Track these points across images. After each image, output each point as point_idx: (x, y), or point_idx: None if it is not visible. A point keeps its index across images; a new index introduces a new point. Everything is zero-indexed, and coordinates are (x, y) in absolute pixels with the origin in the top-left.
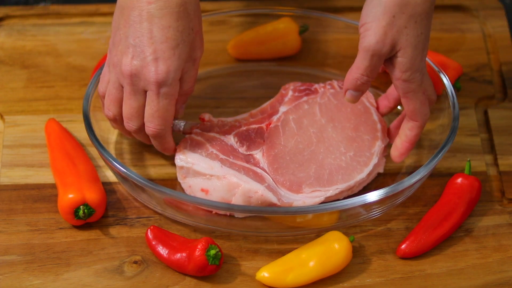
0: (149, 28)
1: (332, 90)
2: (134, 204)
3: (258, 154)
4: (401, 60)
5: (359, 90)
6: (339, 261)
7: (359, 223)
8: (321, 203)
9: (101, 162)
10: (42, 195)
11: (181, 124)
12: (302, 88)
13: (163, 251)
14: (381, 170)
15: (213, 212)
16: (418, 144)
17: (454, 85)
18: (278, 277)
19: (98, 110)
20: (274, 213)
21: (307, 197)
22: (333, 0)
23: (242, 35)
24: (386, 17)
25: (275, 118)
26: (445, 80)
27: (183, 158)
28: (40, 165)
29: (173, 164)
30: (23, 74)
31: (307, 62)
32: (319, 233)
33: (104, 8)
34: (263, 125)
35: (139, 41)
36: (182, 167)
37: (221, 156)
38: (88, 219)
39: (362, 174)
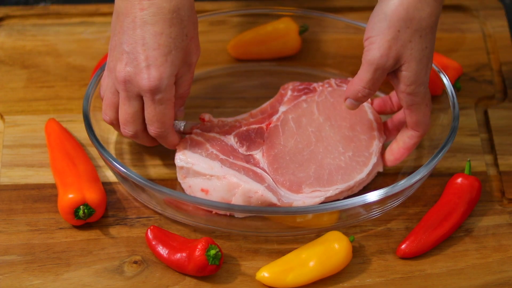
0: (142, 35)
1: (329, 89)
2: (134, 204)
3: (258, 154)
4: (406, 74)
5: (360, 101)
6: (339, 261)
7: (359, 223)
8: (321, 203)
9: (101, 162)
10: (42, 195)
11: (181, 124)
12: (301, 87)
13: (163, 251)
14: (380, 169)
15: (213, 212)
16: (418, 144)
17: (454, 85)
18: (278, 277)
19: (98, 110)
20: (274, 213)
21: (307, 197)
22: (333, 0)
23: (242, 35)
24: (391, 32)
25: (275, 118)
26: (445, 80)
27: (183, 159)
28: (40, 165)
29: (173, 164)
30: (23, 74)
31: (307, 62)
32: (319, 233)
33: (104, 8)
34: (263, 125)
35: (132, 48)
36: (182, 167)
37: (221, 156)
38: (88, 219)
39: (361, 174)
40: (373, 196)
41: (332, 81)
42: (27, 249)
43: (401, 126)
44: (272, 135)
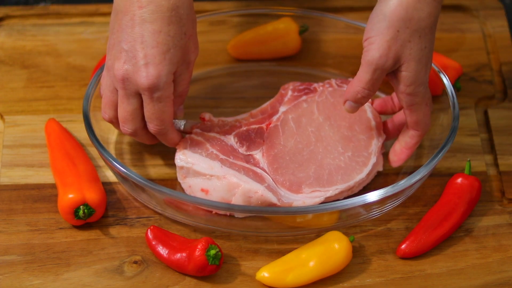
0: (141, 33)
1: (330, 89)
2: (134, 204)
3: (258, 154)
4: (405, 74)
5: (359, 103)
6: (339, 261)
7: (359, 223)
8: (321, 203)
9: (101, 162)
10: (42, 195)
11: (181, 123)
12: (301, 87)
13: (163, 251)
14: (380, 169)
15: (213, 212)
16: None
17: (454, 85)
18: (278, 277)
19: (98, 110)
20: (274, 213)
21: (307, 197)
22: (333, 0)
23: (242, 35)
24: (390, 32)
25: (275, 118)
26: (445, 80)
27: (183, 158)
28: (40, 165)
29: (173, 164)
30: (23, 74)
31: (307, 62)
32: (319, 233)
33: (104, 8)
34: (263, 125)
35: (131, 46)
36: (182, 167)
37: (221, 156)
38: (88, 219)
39: (361, 175)
40: (373, 196)
41: (333, 81)
42: (27, 249)
43: (401, 126)
44: (272, 135)
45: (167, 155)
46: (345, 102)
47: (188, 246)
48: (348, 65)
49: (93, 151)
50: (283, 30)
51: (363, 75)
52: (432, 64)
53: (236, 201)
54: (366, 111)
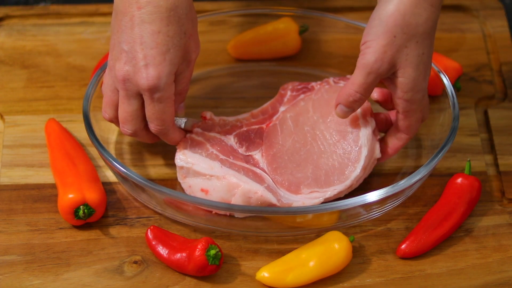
0: (140, 33)
1: (327, 86)
2: (134, 204)
3: (257, 155)
4: (402, 80)
5: (350, 107)
6: (339, 261)
7: (359, 223)
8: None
9: (101, 162)
10: (42, 195)
11: (182, 121)
12: (299, 87)
13: (163, 251)
14: (378, 156)
15: (213, 212)
16: (418, 144)
17: (454, 85)
18: (278, 277)
19: (98, 110)
20: (274, 213)
21: (306, 198)
22: (333, 0)
23: (242, 35)
24: (386, 37)
25: (275, 118)
26: (445, 80)
27: (183, 158)
28: (40, 165)
29: (173, 164)
30: (23, 74)
31: (307, 62)
32: (319, 233)
33: (104, 8)
34: (264, 126)
35: (131, 47)
36: (182, 167)
37: (221, 156)
38: (88, 219)
39: (356, 171)
40: (373, 196)
41: (331, 79)
42: (27, 249)
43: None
44: (270, 134)
45: (167, 155)
46: (336, 105)
47: (188, 246)
48: (348, 65)
49: (93, 151)
50: (283, 30)
51: (356, 78)
52: (432, 64)
53: (235, 201)
54: None
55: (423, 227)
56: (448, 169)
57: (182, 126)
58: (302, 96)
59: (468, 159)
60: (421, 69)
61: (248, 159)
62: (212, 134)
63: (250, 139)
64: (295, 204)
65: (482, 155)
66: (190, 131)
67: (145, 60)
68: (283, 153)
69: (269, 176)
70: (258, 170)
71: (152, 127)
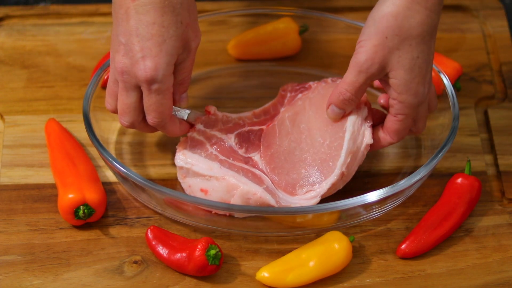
0: (135, 25)
1: (323, 84)
2: (134, 204)
3: (256, 156)
4: (394, 81)
5: (341, 108)
6: (339, 261)
7: (359, 223)
8: (319, 202)
9: (101, 162)
10: (42, 195)
11: (185, 112)
12: (297, 87)
13: (163, 251)
14: (369, 141)
15: (213, 212)
16: (418, 144)
17: (454, 85)
18: (278, 277)
19: (98, 110)
20: (274, 213)
21: (303, 200)
22: (333, 0)
23: (242, 35)
24: (378, 37)
25: (275, 119)
26: (445, 80)
27: (182, 159)
28: (40, 165)
29: (173, 164)
30: (23, 74)
31: (307, 62)
32: (319, 233)
33: (104, 8)
34: (264, 127)
35: (127, 39)
36: (181, 167)
37: (221, 157)
38: (88, 219)
39: (340, 158)
40: (373, 196)
41: (329, 79)
42: (27, 249)
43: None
44: (268, 134)
45: (167, 155)
46: (328, 106)
47: (188, 246)
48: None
49: (93, 151)
50: (283, 30)
51: (348, 76)
52: (432, 64)
53: (234, 202)
54: None
55: (423, 227)
56: (448, 169)
57: (185, 118)
58: (300, 95)
59: (468, 159)
60: (416, 72)
61: (247, 160)
62: (214, 132)
63: (250, 140)
64: (293, 205)
65: (482, 155)
66: (192, 125)
67: (142, 52)
68: (280, 153)
69: (268, 177)
70: (257, 171)
71: (150, 119)
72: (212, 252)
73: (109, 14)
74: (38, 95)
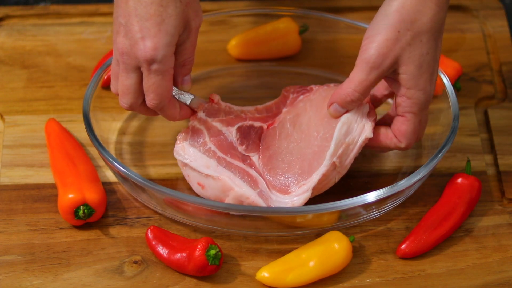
0: (134, 6)
1: (325, 87)
2: (134, 204)
3: (254, 157)
4: (404, 76)
5: (346, 107)
6: (339, 261)
7: (359, 223)
8: (311, 197)
9: (101, 162)
10: (42, 195)
11: (189, 97)
12: (299, 89)
13: (163, 251)
14: (369, 135)
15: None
16: (418, 144)
17: (454, 85)
18: (278, 277)
19: (98, 110)
20: (274, 213)
21: (295, 197)
22: (333, 0)
23: (242, 35)
24: (390, 31)
25: (276, 119)
26: (445, 80)
27: (181, 154)
28: (40, 165)
29: (173, 164)
30: (23, 74)
31: (307, 62)
32: (319, 233)
33: (104, 8)
34: (265, 126)
35: (127, 20)
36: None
37: (219, 153)
38: (88, 219)
39: (330, 149)
40: (373, 196)
41: (332, 84)
42: (27, 249)
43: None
44: (268, 136)
45: (167, 155)
46: (330, 105)
47: (188, 246)
48: (348, 65)
49: (93, 151)
50: (283, 30)
51: (356, 75)
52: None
53: (228, 202)
54: None
55: (423, 227)
56: (448, 169)
57: (188, 102)
58: (301, 97)
59: (468, 159)
60: (424, 69)
61: (245, 158)
62: (215, 122)
63: (251, 138)
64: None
65: (482, 155)
66: (194, 111)
67: (141, 33)
68: (277, 154)
69: (263, 178)
70: (253, 173)
71: (148, 100)
72: (212, 252)
73: (109, 14)
74: (38, 95)
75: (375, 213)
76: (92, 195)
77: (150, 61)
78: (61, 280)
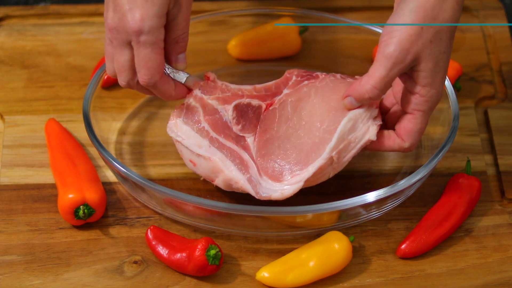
0: None
1: (332, 78)
2: (134, 204)
3: (249, 138)
4: (421, 74)
5: (362, 102)
6: (339, 261)
7: (359, 223)
8: (302, 188)
9: (101, 162)
10: (42, 195)
11: (184, 76)
12: (304, 74)
13: (163, 251)
14: (373, 138)
15: (201, 179)
16: (418, 144)
17: (454, 85)
18: (278, 277)
19: (98, 110)
20: (274, 213)
21: (286, 186)
22: (333, 0)
23: (242, 35)
24: (414, 27)
25: (276, 99)
26: (445, 80)
27: (174, 131)
28: (40, 165)
29: (173, 164)
30: (23, 74)
31: (307, 62)
32: (319, 233)
33: (104, 8)
34: (264, 104)
35: None
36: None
37: (212, 133)
38: (88, 219)
39: (331, 143)
40: (373, 196)
41: (338, 75)
42: (27, 249)
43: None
44: (267, 118)
45: (167, 155)
46: (346, 96)
47: (188, 246)
48: (348, 65)
49: (93, 151)
50: (283, 30)
51: (377, 71)
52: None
53: (218, 183)
54: None
55: (423, 227)
56: (448, 169)
57: (183, 81)
58: (306, 82)
59: (468, 159)
60: (440, 67)
61: (239, 139)
62: (211, 100)
63: (248, 118)
64: (274, 195)
65: (482, 155)
66: (190, 89)
67: (128, 5)
68: (275, 139)
69: (255, 163)
70: (246, 156)
71: (140, 76)
72: (212, 252)
73: None
74: (38, 95)
75: (375, 213)
76: (92, 195)
77: (138, 32)
78: (61, 280)
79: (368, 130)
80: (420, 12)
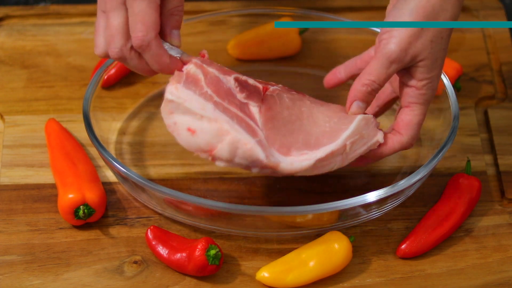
0: None
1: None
2: (134, 204)
3: (255, 108)
4: (420, 69)
5: (365, 101)
6: (339, 261)
7: (359, 223)
8: (308, 175)
9: (101, 162)
10: (42, 195)
11: (179, 52)
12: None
13: (163, 251)
14: (381, 140)
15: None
16: (418, 144)
17: (454, 85)
18: (278, 277)
19: (98, 110)
20: (274, 213)
21: (296, 160)
22: (333, 0)
23: (242, 35)
24: (413, 28)
25: (271, 88)
26: (445, 80)
27: (174, 93)
28: (40, 165)
29: (173, 164)
30: (23, 74)
31: (307, 62)
32: (319, 233)
33: None
34: (260, 86)
35: None
36: (172, 101)
37: (216, 98)
38: (88, 219)
39: (347, 131)
40: (373, 196)
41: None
42: (27, 249)
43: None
44: (269, 100)
45: (167, 155)
46: (351, 104)
47: (188, 246)
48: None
49: (93, 151)
50: (283, 30)
51: (376, 68)
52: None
53: (221, 149)
54: None
55: (423, 227)
56: (448, 169)
57: (178, 57)
58: (295, 93)
59: (468, 159)
60: (438, 63)
61: (243, 108)
62: (212, 69)
63: (250, 89)
64: (283, 164)
65: (482, 155)
66: (185, 64)
67: None
68: (279, 118)
69: (262, 132)
70: (252, 123)
71: (134, 35)
72: (212, 252)
73: None
74: (38, 95)
75: (375, 213)
76: (92, 195)
77: None
78: (61, 280)
79: (376, 134)
80: (420, 12)
